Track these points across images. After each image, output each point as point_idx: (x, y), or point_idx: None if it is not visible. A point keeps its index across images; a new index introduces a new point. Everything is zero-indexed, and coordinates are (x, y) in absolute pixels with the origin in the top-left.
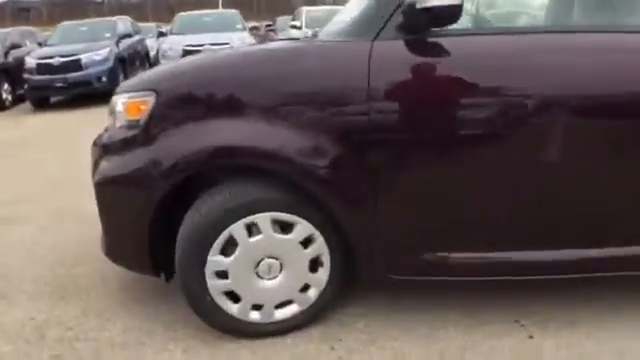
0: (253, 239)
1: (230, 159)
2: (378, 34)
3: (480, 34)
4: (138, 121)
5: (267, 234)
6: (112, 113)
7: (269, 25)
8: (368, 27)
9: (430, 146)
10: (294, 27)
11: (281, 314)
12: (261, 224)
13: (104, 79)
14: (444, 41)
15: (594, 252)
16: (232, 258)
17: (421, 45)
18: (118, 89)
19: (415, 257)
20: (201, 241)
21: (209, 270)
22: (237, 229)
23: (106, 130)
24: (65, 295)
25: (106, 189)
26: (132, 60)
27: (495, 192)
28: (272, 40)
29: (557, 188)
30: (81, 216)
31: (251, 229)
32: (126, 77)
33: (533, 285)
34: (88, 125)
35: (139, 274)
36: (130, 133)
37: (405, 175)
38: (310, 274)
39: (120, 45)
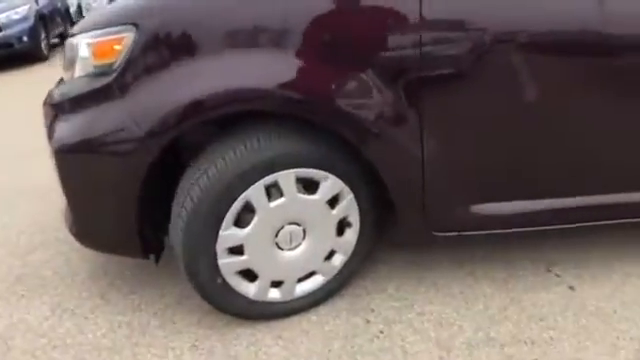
0: (273, 203)
1: (247, 104)
2: None
3: None
4: (111, 65)
5: (291, 196)
6: (70, 60)
7: None
8: None
9: (489, 82)
10: None
11: (303, 288)
12: (283, 184)
13: (25, 39)
14: None
15: (623, 197)
16: (249, 229)
17: None
18: (76, 28)
19: (463, 210)
20: (211, 212)
21: (221, 247)
22: (255, 193)
23: (60, 83)
24: (26, 292)
25: (72, 157)
26: (52, 17)
27: (543, 135)
28: None
29: (594, 135)
30: (30, 191)
31: (270, 191)
32: (48, 36)
33: (555, 234)
34: (21, 88)
35: (116, 256)
36: (99, 82)
37: (459, 117)
38: (337, 238)
39: (39, 1)
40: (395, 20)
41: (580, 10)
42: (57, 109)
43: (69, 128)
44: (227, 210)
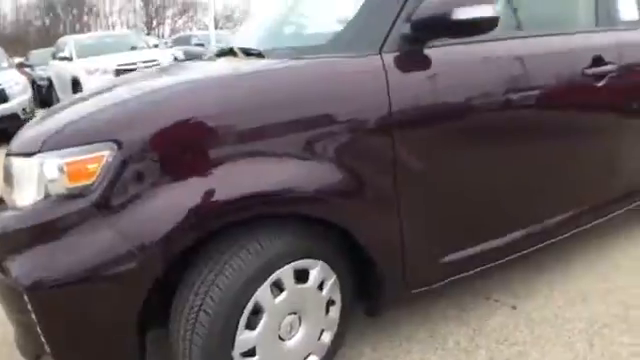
0: (277, 299)
1: (250, 211)
2: (382, 46)
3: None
4: (89, 187)
5: (290, 289)
6: (27, 181)
7: (22, 64)
8: (365, 38)
9: (458, 152)
10: (63, 59)
11: None
12: (285, 279)
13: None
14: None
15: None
16: (259, 329)
17: (445, 52)
18: (32, 146)
19: (434, 264)
20: (227, 322)
21: (237, 352)
22: (263, 293)
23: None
24: None
25: (53, 294)
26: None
27: (500, 185)
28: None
29: (525, 189)
30: None
31: (272, 289)
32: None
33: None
34: None
35: None
36: (75, 205)
37: (427, 189)
38: (325, 317)
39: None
40: (368, 118)
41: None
42: (9, 240)
43: (42, 260)
44: (241, 315)
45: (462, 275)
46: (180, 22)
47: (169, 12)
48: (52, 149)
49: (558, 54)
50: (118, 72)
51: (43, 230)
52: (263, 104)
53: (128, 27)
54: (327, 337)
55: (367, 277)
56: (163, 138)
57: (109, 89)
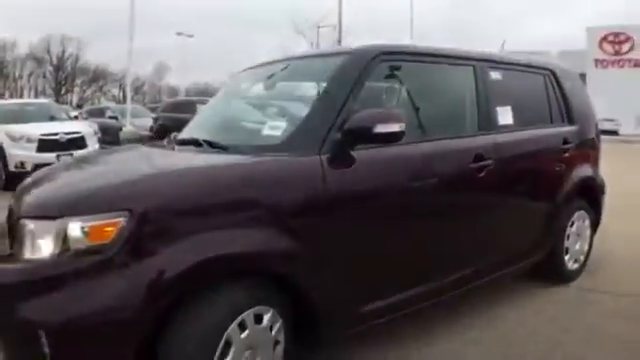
0: (243, 335)
1: (229, 266)
2: (321, 149)
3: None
4: (106, 245)
5: (251, 328)
6: (44, 238)
7: None
8: (308, 142)
9: (372, 226)
10: None
11: None
12: (247, 320)
13: None
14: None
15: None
16: (229, 358)
17: (368, 154)
18: (53, 211)
19: (357, 310)
20: (207, 352)
21: None
22: (232, 330)
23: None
24: None
25: (76, 330)
26: None
27: (406, 253)
28: None
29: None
30: None
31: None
32: None
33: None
34: None
35: None
36: (92, 259)
37: (347, 252)
38: (273, 354)
39: None
40: (307, 201)
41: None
42: (24, 287)
43: (60, 304)
44: (217, 347)
45: (376, 322)
46: (89, 91)
47: (79, 80)
48: (75, 215)
49: (449, 152)
50: (41, 142)
51: (61, 278)
52: (236, 188)
53: (37, 92)
54: None
55: (304, 322)
56: (163, 210)
57: (106, 162)
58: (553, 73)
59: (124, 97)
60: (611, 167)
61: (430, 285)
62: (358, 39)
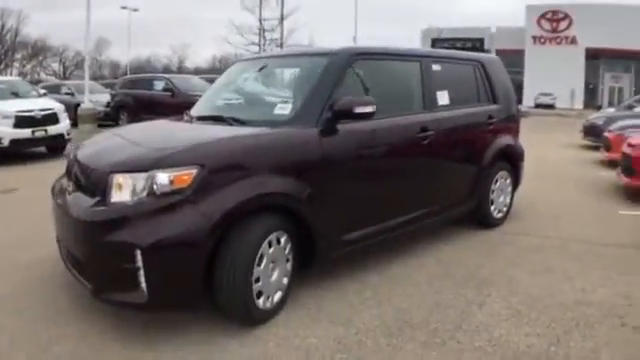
0: (270, 251)
1: (264, 201)
2: (317, 123)
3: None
4: (184, 188)
5: (274, 247)
6: (134, 186)
7: None
8: (308, 118)
9: (353, 176)
10: None
11: (274, 299)
12: (273, 240)
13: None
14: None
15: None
16: (262, 267)
17: (348, 127)
18: (143, 166)
19: (342, 238)
20: (249, 259)
21: (253, 278)
22: (264, 247)
23: (108, 204)
24: None
25: (165, 247)
26: None
27: (375, 197)
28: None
29: (399, 192)
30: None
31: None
32: None
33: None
34: None
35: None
36: (174, 198)
37: (339, 193)
38: (285, 267)
39: None
40: (312, 159)
41: (376, 155)
42: (123, 216)
43: (156, 228)
44: (255, 258)
45: (354, 247)
46: (29, 66)
47: (18, 54)
48: (162, 168)
49: (404, 126)
50: (17, 118)
51: (151, 212)
52: (267, 150)
53: None
54: (285, 280)
55: (305, 246)
56: (222, 164)
57: (159, 131)
58: (481, 63)
59: (64, 72)
60: (540, 137)
61: (393, 221)
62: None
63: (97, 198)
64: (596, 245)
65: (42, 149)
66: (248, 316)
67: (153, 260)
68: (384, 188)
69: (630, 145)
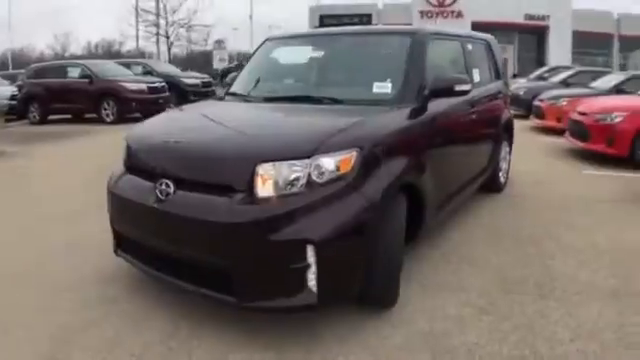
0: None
1: (404, 179)
2: (417, 100)
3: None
4: (348, 173)
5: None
6: (294, 174)
7: None
8: (409, 97)
9: (441, 147)
10: None
11: None
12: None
13: None
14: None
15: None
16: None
17: (432, 104)
18: (305, 152)
19: (438, 205)
20: (400, 238)
21: None
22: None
23: (263, 199)
24: None
25: (337, 239)
26: None
27: (454, 165)
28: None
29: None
30: None
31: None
32: None
33: None
34: None
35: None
36: (339, 185)
37: (437, 164)
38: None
39: None
40: (418, 132)
41: (460, 126)
42: (290, 210)
43: (323, 221)
44: (403, 226)
45: (441, 213)
46: None
47: None
48: (326, 152)
49: (462, 101)
50: None
51: (321, 202)
52: (401, 130)
53: None
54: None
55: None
56: (375, 146)
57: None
58: (488, 42)
59: None
60: None
61: (456, 187)
62: None
63: (240, 194)
64: (592, 202)
65: None
66: (396, 296)
67: (326, 254)
68: (452, 158)
69: (583, 113)
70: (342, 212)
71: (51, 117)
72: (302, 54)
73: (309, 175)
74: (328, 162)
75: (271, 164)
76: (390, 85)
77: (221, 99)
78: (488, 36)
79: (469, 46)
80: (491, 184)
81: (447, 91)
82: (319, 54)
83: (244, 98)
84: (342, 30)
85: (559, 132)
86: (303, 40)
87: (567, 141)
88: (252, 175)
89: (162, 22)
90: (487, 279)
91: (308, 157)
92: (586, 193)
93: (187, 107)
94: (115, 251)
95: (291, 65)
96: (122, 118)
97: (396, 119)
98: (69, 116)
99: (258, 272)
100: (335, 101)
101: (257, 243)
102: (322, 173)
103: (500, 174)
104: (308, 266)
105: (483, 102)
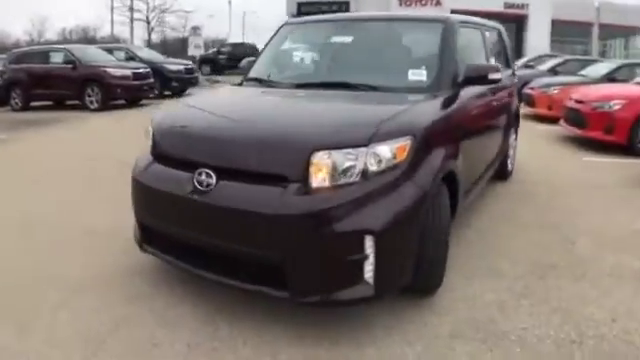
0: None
1: (447, 166)
2: (452, 87)
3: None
4: (403, 161)
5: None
6: (352, 162)
7: None
8: (445, 84)
9: (470, 130)
10: None
11: None
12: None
13: None
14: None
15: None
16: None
17: (463, 91)
18: (360, 140)
19: (467, 188)
20: (447, 223)
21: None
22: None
23: (319, 189)
24: None
25: (394, 228)
26: None
27: (480, 150)
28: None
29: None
30: None
31: None
32: None
33: None
34: None
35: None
36: (394, 175)
37: (467, 149)
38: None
39: None
40: (457, 119)
41: (489, 112)
42: (348, 200)
43: (385, 208)
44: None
45: (468, 196)
46: None
47: None
48: (382, 140)
49: (486, 89)
50: None
51: (378, 191)
52: (445, 118)
53: None
54: None
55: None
56: (427, 134)
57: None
58: (499, 30)
59: None
60: None
61: (480, 172)
62: None
63: (293, 184)
64: (599, 188)
65: None
66: (440, 282)
67: (384, 245)
68: (476, 145)
69: (579, 101)
70: (398, 201)
71: (33, 104)
72: (327, 39)
73: (365, 164)
74: (385, 150)
75: (327, 152)
76: (425, 72)
77: (239, 84)
78: (499, 25)
79: (487, 34)
80: (500, 171)
81: (481, 79)
82: (347, 40)
83: (269, 84)
84: (369, 16)
85: (550, 120)
86: (327, 25)
87: (563, 128)
88: (306, 164)
89: (143, 7)
90: (520, 263)
91: (365, 145)
92: (591, 178)
93: (208, 94)
94: (140, 245)
95: (317, 51)
96: (106, 105)
97: (437, 107)
98: (50, 103)
99: (312, 266)
100: (371, 88)
101: (312, 235)
102: (379, 161)
103: (508, 161)
104: (366, 257)
105: (501, 90)
